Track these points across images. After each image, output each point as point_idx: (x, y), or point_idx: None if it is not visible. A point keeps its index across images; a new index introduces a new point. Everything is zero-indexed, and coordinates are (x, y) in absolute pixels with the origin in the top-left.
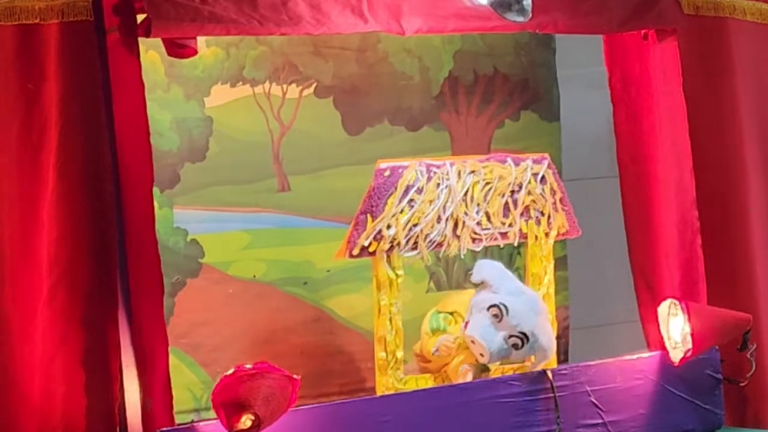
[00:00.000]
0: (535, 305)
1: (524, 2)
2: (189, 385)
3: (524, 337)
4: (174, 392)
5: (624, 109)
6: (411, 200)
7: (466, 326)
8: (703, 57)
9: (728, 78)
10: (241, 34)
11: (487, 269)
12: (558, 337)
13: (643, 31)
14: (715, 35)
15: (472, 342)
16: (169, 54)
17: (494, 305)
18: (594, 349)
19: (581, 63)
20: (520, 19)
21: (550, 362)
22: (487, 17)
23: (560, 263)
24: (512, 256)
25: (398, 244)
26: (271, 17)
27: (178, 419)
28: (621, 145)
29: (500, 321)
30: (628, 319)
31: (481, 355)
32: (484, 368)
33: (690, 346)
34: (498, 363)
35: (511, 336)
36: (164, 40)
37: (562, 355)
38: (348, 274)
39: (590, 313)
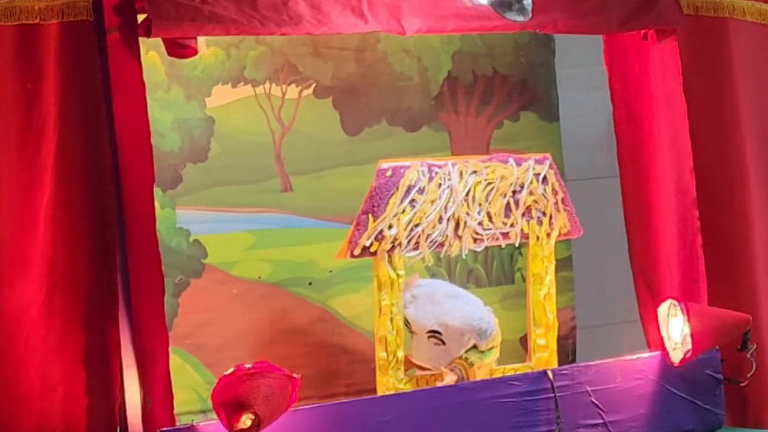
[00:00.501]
0: (431, 297)
1: (524, 1)
2: (194, 385)
3: (435, 333)
4: (179, 393)
5: (624, 109)
6: (412, 200)
7: None
8: (703, 57)
9: (728, 78)
10: (242, 34)
11: None
12: (565, 338)
13: (642, 31)
14: (715, 35)
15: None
16: (170, 54)
17: (404, 324)
18: (601, 348)
19: (581, 63)
20: (521, 18)
21: (550, 360)
22: (486, 17)
23: (566, 263)
24: (513, 256)
25: (399, 244)
26: (271, 17)
27: (184, 420)
28: (621, 145)
29: (413, 332)
30: (636, 318)
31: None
32: (469, 363)
33: (690, 346)
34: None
35: (428, 338)
36: (164, 40)
37: (570, 355)
38: (349, 274)
39: (596, 312)
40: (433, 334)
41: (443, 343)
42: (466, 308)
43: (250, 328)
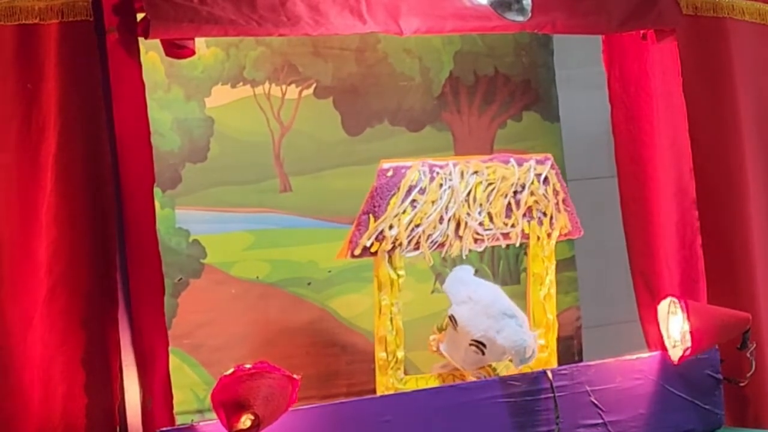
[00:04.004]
0: (488, 308)
1: (524, 1)
2: (192, 385)
3: (478, 343)
4: (177, 393)
5: (623, 109)
6: (413, 200)
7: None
8: (702, 57)
9: (727, 78)
10: (240, 34)
11: (447, 281)
12: (570, 338)
13: (641, 32)
14: (714, 35)
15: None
16: (167, 54)
17: (449, 316)
18: (605, 348)
19: (582, 63)
20: (520, 18)
21: (550, 360)
22: (486, 17)
23: (569, 264)
24: (519, 257)
25: (400, 244)
26: (269, 18)
27: (181, 420)
28: (619, 145)
29: (457, 330)
30: (638, 319)
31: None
32: (496, 373)
33: (689, 344)
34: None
35: (470, 344)
36: (162, 41)
37: (576, 356)
38: (348, 274)
39: (600, 312)
40: (477, 344)
41: (483, 353)
42: (517, 331)
43: (248, 328)
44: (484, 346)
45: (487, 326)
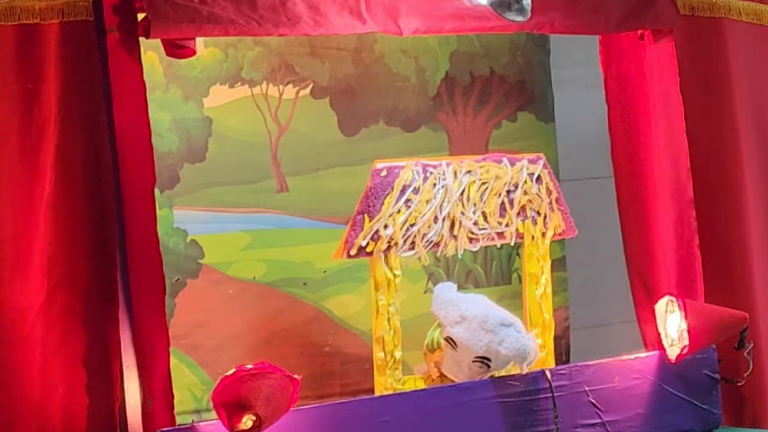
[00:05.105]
0: (485, 323)
1: (523, 2)
2: (189, 385)
3: (483, 359)
4: (174, 393)
5: (620, 109)
6: (408, 200)
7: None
8: (699, 57)
9: (724, 78)
10: (240, 34)
11: (434, 304)
12: (559, 338)
13: (639, 32)
14: (711, 36)
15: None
16: (168, 54)
17: (445, 339)
18: (595, 349)
19: (579, 63)
20: (520, 18)
21: (548, 359)
22: (484, 17)
23: (559, 264)
24: (511, 257)
25: (396, 244)
26: (269, 18)
27: (179, 420)
28: (616, 145)
29: (457, 350)
30: (630, 319)
31: None
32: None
33: (686, 342)
34: None
35: (474, 361)
36: (163, 41)
37: (564, 356)
38: (343, 274)
39: (591, 313)
40: (482, 360)
41: (488, 367)
42: (518, 338)
43: (245, 328)
44: (489, 360)
45: (488, 341)
